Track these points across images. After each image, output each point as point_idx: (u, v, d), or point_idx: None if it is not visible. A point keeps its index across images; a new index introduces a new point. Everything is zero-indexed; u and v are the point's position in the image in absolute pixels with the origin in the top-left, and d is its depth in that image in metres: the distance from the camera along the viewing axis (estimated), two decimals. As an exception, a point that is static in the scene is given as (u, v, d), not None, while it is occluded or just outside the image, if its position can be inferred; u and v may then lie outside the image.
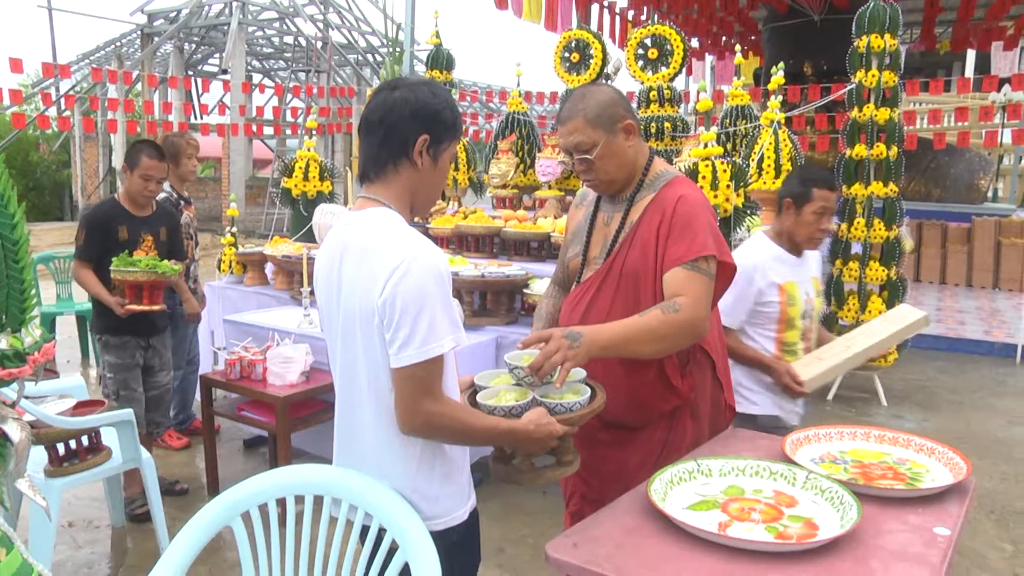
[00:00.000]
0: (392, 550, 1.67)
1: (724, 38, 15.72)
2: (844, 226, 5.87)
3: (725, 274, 2.25)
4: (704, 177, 4.05)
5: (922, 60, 18.20)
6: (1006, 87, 11.68)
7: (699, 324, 2.13)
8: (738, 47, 6.27)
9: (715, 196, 4.04)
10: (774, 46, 13.53)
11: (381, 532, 1.70)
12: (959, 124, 12.01)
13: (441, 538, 1.70)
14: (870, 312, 5.77)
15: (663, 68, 6.43)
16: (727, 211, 4.10)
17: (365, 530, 1.73)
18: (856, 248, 5.88)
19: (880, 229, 5.72)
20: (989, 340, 7.86)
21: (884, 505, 1.79)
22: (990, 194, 15.35)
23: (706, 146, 4.12)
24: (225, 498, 1.80)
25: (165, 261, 3.83)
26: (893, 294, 5.79)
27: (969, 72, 21.80)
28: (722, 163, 4.09)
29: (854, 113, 5.73)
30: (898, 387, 6.41)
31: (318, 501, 1.79)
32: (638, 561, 1.51)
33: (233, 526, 1.79)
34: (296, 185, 5.77)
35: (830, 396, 6.07)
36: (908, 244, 6.12)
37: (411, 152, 1.72)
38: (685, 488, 1.84)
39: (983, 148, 13.57)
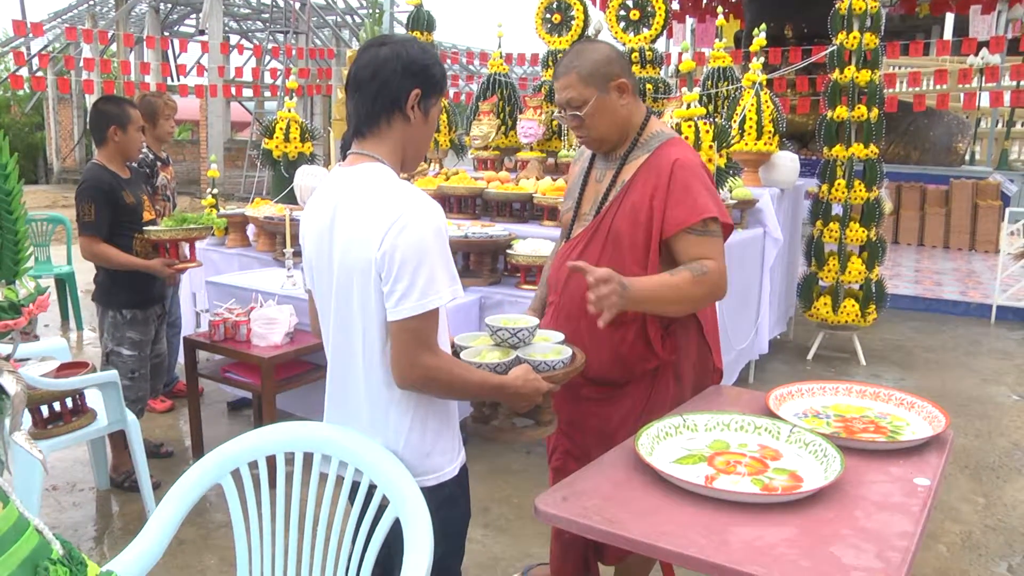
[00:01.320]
0: (383, 507, 1.69)
1: (705, 1, 15.64)
2: (825, 187, 5.90)
3: (724, 235, 2.30)
4: (687, 138, 4.05)
5: (902, 23, 18.18)
6: (984, 50, 11.74)
7: (724, 286, 2.23)
8: (720, 9, 6.24)
9: (698, 157, 4.04)
10: (755, 9, 13.46)
11: (371, 489, 1.72)
12: (938, 87, 12.04)
13: (432, 493, 1.72)
14: (850, 272, 5.83)
15: (645, 30, 6.38)
16: (710, 172, 4.11)
17: (355, 487, 1.75)
18: (836, 209, 5.92)
19: (860, 190, 5.75)
20: (965, 301, 7.96)
21: (866, 457, 1.83)
22: (967, 157, 15.44)
23: (689, 107, 4.11)
24: (214, 456, 1.81)
25: (201, 215, 3.77)
26: (873, 255, 5.84)
27: (948, 36, 21.83)
28: (705, 124, 4.09)
29: (835, 75, 5.73)
30: (876, 347, 6.50)
31: (308, 459, 1.80)
32: (627, 513, 1.54)
33: (223, 484, 1.80)
34: (277, 146, 5.72)
35: (810, 356, 6.15)
36: (887, 206, 6.18)
37: (404, 106, 1.73)
38: (671, 443, 1.87)
39: (962, 111, 13.63)
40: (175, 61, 21.59)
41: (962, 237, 11.41)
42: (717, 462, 1.77)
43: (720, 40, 6.17)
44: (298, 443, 1.82)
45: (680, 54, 5.30)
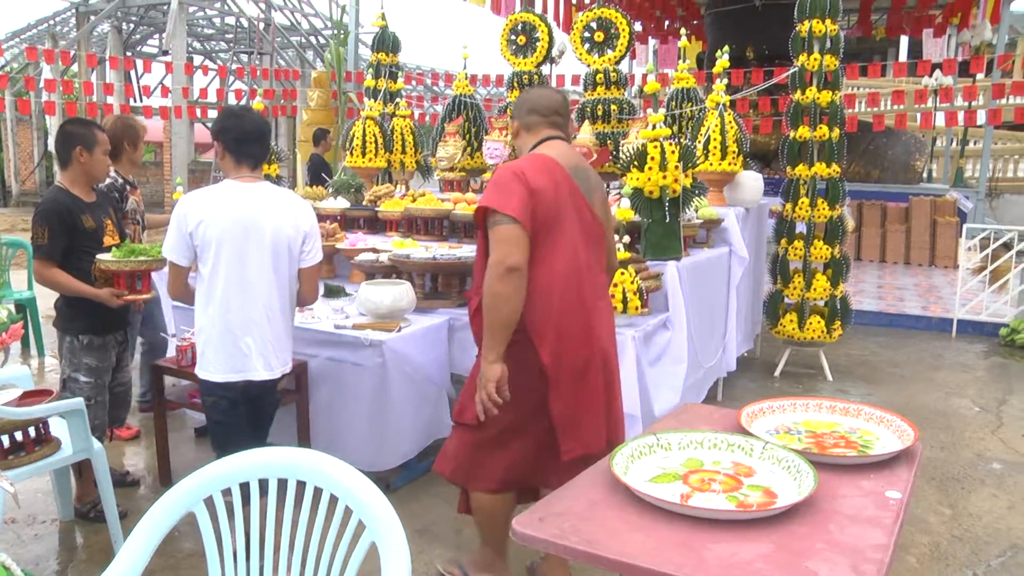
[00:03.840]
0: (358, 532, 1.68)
1: (667, 22, 15.84)
2: (789, 206, 5.98)
3: (521, 226, 2.63)
4: (653, 158, 4.09)
5: (859, 45, 18.59)
6: (937, 71, 12.03)
7: (503, 270, 2.58)
8: (683, 30, 6.33)
9: (664, 177, 4.08)
10: (716, 30, 13.70)
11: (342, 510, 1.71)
12: (895, 107, 12.31)
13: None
14: (815, 289, 5.90)
15: (609, 51, 6.46)
16: (676, 191, 4.15)
17: (330, 512, 1.73)
18: (800, 227, 6.00)
19: (824, 209, 5.84)
20: (927, 315, 8.10)
21: (838, 472, 1.85)
22: (925, 175, 15.77)
23: (655, 128, 4.16)
24: (186, 484, 1.79)
25: (154, 245, 3.68)
26: (837, 272, 5.93)
27: (903, 57, 22.35)
28: (670, 144, 4.13)
29: (797, 96, 5.83)
30: (842, 362, 6.59)
31: (282, 485, 1.78)
32: (604, 532, 1.54)
33: (196, 512, 1.77)
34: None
35: (777, 373, 6.21)
36: (850, 224, 6.27)
37: (269, 153, 3.13)
38: (646, 462, 1.87)
39: (920, 130, 13.93)
40: (138, 82, 21.38)
41: (922, 253, 11.62)
42: (692, 480, 1.78)
43: (684, 62, 6.25)
44: (272, 469, 1.80)
45: (645, 75, 5.36)
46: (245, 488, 1.79)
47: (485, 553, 3.05)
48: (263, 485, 1.79)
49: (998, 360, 6.89)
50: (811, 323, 5.98)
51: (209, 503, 1.78)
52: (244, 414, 3.22)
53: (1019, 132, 18.56)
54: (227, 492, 1.79)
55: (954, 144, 17.31)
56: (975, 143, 17.36)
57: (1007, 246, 8.09)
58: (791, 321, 6.02)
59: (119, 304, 3.56)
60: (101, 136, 3.67)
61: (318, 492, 1.74)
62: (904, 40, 20.47)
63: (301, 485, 1.76)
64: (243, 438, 3.00)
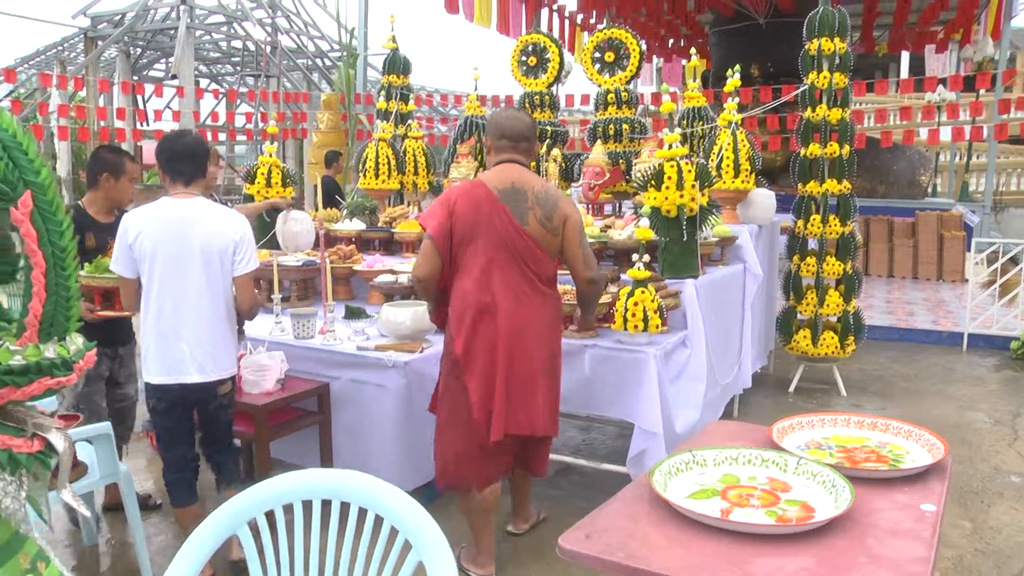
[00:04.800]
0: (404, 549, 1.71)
1: (671, 41, 15.97)
2: (800, 223, 6.03)
3: (433, 240, 3.24)
4: (670, 177, 4.13)
5: (861, 61, 18.70)
6: (941, 87, 12.11)
7: (417, 278, 3.30)
8: (693, 50, 6.40)
9: (681, 196, 4.13)
10: (721, 49, 13.80)
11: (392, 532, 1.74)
12: (903, 123, 12.39)
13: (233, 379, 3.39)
14: (828, 305, 5.93)
15: (619, 71, 6.53)
16: (693, 210, 4.19)
17: (375, 532, 1.76)
18: (812, 244, 6.04)
19: (835, 225, 5.88)
20: (937, 330, 8.12)
21: (871, 486, 1.88)
22: (930, 190, 15.82)
23: (671, 147, 4.21)
24: (229, 507, 1.81)
25: None
26: (849, 287, 5.96)
27: (904, 72, 22.47)
28: (687, 163, 4.18)
29: (807, 113, 5.89)
30: (856, 377, 6.60)
31: (325, 505, 1.81)
32: (648, 548, 1.57)
33: (239, 535, 1.80)
34: (259, 191, 5.72)
35: (791, 388, 6.23)
36: (858, 239, 6.31)
37: (205, 169, 3.38)
38: (683, 478, 1.90)
39: (926, 146, 13.99)
40: (145, 106, 21.54)
41: (930, 267, 11.64)
42: (730, 495, 1.81)
43: (694, 80, 6.31)
44: (316, 491, 1.83)
45: (659, 95, 5.42)
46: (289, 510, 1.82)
47: (473, 545, 3.50)
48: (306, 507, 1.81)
49: (1010, 373, 6.90)
50: (824, 339, 6.00)
51: (253, 526, 1.80)
52: (185, 417, 3.37)
53: (1023, 146, 18.62)
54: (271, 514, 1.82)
55: (958, 159, 17.38)
56: (978, 157, 17.44)
57: (1015, 260, 8.12)
58: (804, 337, 6.05)
59: (93, 319, 3.64)
60: (130, 166, 3.85)
61: (362, 512, 1.77)
62: (905, 56, 20.59)
63: (345, 506, 1.79)
64: (184, 441, 3.38)
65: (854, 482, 1.82)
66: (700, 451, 2.00)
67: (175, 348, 3.19)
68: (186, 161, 3.30)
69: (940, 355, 7.52)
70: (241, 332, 3.59)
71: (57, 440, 1.04)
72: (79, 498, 1.05)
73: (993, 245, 8.17)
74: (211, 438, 3.45)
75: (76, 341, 1.06)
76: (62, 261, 1.02)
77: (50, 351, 1.00)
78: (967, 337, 7.79)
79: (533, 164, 6.13)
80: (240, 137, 18.74)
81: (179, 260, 3.17)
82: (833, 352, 6.01)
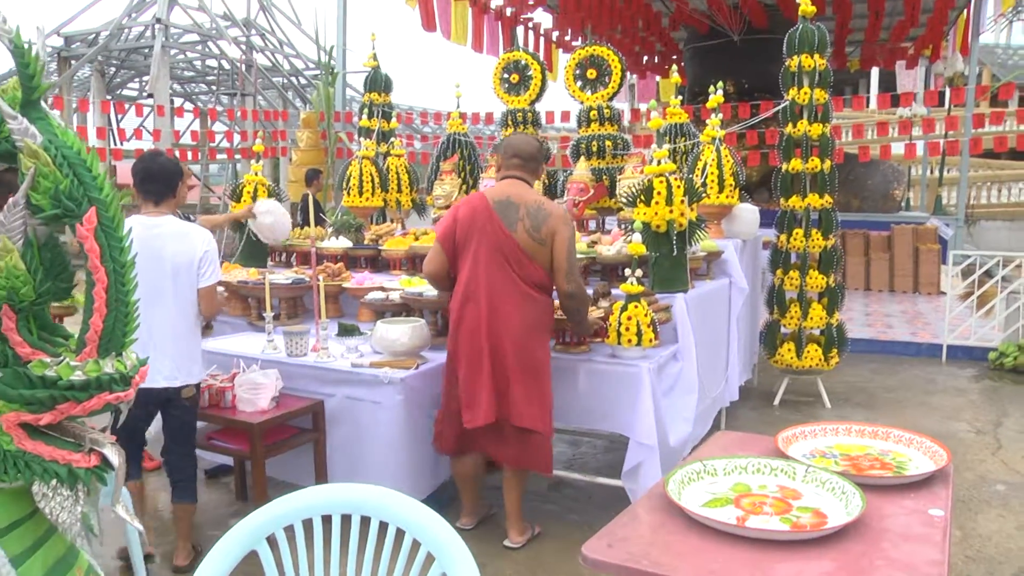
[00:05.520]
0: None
1: (645, 58, 16.14)
2: (783, 237, 6.10)
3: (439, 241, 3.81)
4: (659, 193, 4.19)
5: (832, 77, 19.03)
6: (914, 103, 12.35)
7: (424, 271, 3.98)
8: (674, 68, 6.48)
9: (670, 211, 4.18)
10: (695, 65, 13.98)
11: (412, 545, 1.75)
12: (880, 137, 12.59)
13: (198, 386, 3.62)
14: (811, 318, 6.01)
15: (601, 88, 6.60)
16: (682, 226, 4.24)
17: (397, 545, 1.77)
18: (794, 257, 6.12)
19: (818, 239, 5.97)
20: (916, 342, 8.24)
21: (879, 492, 1.92)
22: (904, 204, 16.09)
23: (659, 163, 4.26)
24: (249, 523, 1.81)
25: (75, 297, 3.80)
26: (832, 300, 6.04)
27: (874, 88, 22.88)
28: (676, 179, 4.24)
29: (788, 129, 5.98)
30: (839, 389, 6.68)
31: (345, 520, 1.81)
32: (670, 556, 1.60)
33: (259, 551, 1.80)
34: (245, 210, 5.71)
35: (776, 401, 6.29)
36: (840, 252, 6.40)
37: (176, 190, 3.65)
38: (696, 488, 1.93)
39: (903, 160, 14.22)
40: (117, 125, 21.40)
41: (906, 280, 11.82)
42: (743, 503, 1.84)
43: (676, 97, 6.38)
44: (336, 506, 1.83)
45: (648, 111, 5.49)
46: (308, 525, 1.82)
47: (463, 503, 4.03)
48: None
49: (989, 384, 7.01)
50: (808, 351, 6.07)
51: (272, 541, 1.80)
52: (147, 417, 3.63)
53: (992, 160, 19.00)
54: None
55: (930, 172, 17.67)
56: (949, 171, 17.76)
57: (989, 273, 8.26)
58: (789, 350, 6.12)
59: None
60: None
61: (383, 526, 1.78)
62: (875, 71, 20.97)
63: (365, 520, 1.80)
64: (138, 439, 3.65)
65: (862, 489, 1.86)
66: (710, 461, 2.03)
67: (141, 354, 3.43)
68: (159, 182, 3.56)
69: (920, 366, 7.64)
70: (209, 327, 4.20)
71: (113, 455, 1.05)
72: (131, 512, 1.05)
73: (970, 258, 8.31)
74: (171, 442, 3.64)
75: (131, 356, 1.07)
76: (123, 277, 1.03)
77: (109, 366, 1.01)
78: (946, 348, 7.91)
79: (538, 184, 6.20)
80: (219, 156, 18.65)
81: (149, 274, 3.26)
82: (817, 364, 6.08)
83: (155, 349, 3.33)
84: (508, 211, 3.63)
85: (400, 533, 1.75)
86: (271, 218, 5.42)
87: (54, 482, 1.02)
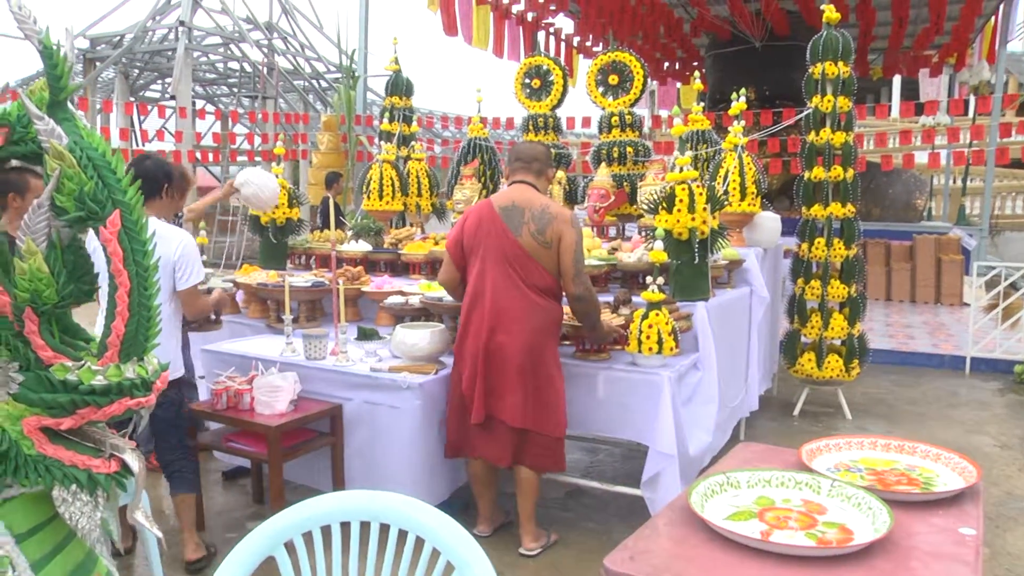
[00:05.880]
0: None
1: (666, 64, 16.10)
2: (805, 246, 6.05)
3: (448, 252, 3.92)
4: (681, 200, 4.16)
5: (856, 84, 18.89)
6: (939, 112, 12.23)
7: (439, 281, 4.09)
8: (696, 73, 6.45)
9: (693, 219, 4.15)
10: (717, 72, 13.92)
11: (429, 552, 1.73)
12: (902, 146, 12.48)
13: (176, 383, 3.64)
14: (832, 328, 5.95)
15: (623, 94, 6.58)
16: (704, 234, 4.21)
17: (416, 554, 1.75)
18: (815, 267, 6.06)
19: (840, 248, 5.91)
20: (939, 353, 8.14)
21: (906, 509, 1.88)
22: (926, 213, 15.94)
23: (682, 170, 4.23)
24: (265, 529, 1.79)
25: None
26: (854, 310, 5.98)
27: (896, 96, 22.70)
28: (699, 187, 4.20)
29: (811, 137, 5.93)
30: (860, 400, 6.61)
31: (364, 527, 1.79)
32: (695, 569, 1.57)
33: (276, 557, 1.78)
34: (265, 212, 5.72)
35: (796, 412, 6.23)
36: (862, 262, 6.33)
37: (163, 191, 3.74)
38: (719, 500, 1.90)
39: (928, 169, 14.09)
40: (140, 127, 21.58)
41: (928, 291, 11.70)
42: (768, 517, 1.81)
43: (699, 103, 6.35)
44: (353, 512, 1.82)
45: (671, 118, 5.46)
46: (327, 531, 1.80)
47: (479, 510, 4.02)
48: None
49: (1015, 397, 6.91)
50: (829, 362, 6.01)
51: (290, 547, 1.79)
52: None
53: (1018, 170, 18.80)
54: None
55: (955, 182, 17.49)
56: (972, 180, 17.58)
57: (1015, 286, 8.16)
58: (809, 360, 6.06)
59: None
60: (35, 183, 3.87)
61: (403, 535, 1.76)
62: (897, 80, 20.80)
63: (384, 528, 1.78)
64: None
65: (889, 505, 1.83)
66: (733, 473, 2.00)
67: None
68: (143, 185, 3.51)
69: (943, 379, 7.54)
70: (218, 321, 4.45)
71: (133, 461, 1.04)
72: (151, 518, 1.04)
73: (995, 269, 8.21)
74: (157, 436, 3.71)
75: (153, 361, 1.06)
76: (145, 281, 1.02)
77: (130, 371, 1.00)
78: (970, 361, 7.81)
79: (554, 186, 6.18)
80: (240, 158, 18.75)
81: None
82: (838, 375, 6.02)
83: None
84: (513, 216, 3.67)
85: (420, 542, 1.73)
86: (251, 188, 5.28)
87: (74, 487, 1.01)
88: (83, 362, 1.00)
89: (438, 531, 1.71)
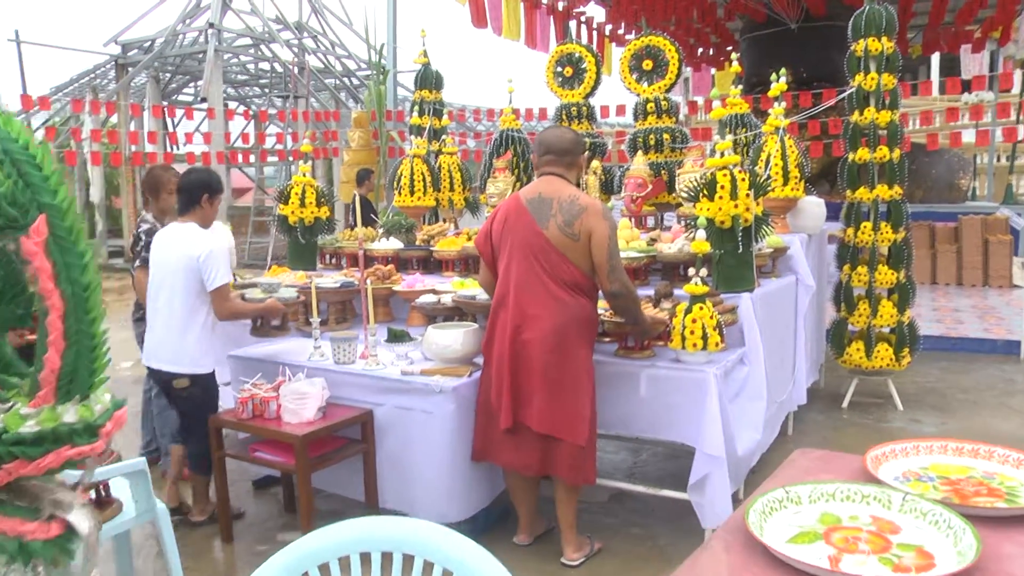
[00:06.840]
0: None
1: (700, 50, 15.76)
2: (851, 231, 5.80)
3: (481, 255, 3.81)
4: (723, 187, 3.96)
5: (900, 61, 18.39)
6: (978, 90, 11.78)
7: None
8: (734, 56, 6.21)
9: (735, 206, 3.94)
10: (752, 55, 13.57)
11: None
12: (948, 124, 12.08)
13: (196, 380, 3.94)
14: (881, 316, 5.69)
15: (658, 79, 6.35)
16: (747, 221, 4.00)
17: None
18: (862, 252, 5.80)
19: (887, 232, 5.65)
20: (991, 338, 7.83)
21: (989, 525, 1.68)
22: (969, 193, 15.45)
23: (723, 155, 4.03)
24: (276, 562, 1.64)
25: None
26: (903, 297, 5.72)
27: (935, 73, 22.10)
28: (741, 172, 4.00)
29: (855, 117, 5.68)
30: (910, 390, 6.34)
31: (385, 557, 1.65)
32: (757, 606, 1.39)
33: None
34: (293, 212, 5.61)
35: (845, 404, 5.98)
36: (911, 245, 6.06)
37: (202, 200, 4.01)
38: (779, 518, 1.72)
39: (975, 148, 13.65)
40: (174, 129, 21.70)
41: (975, 273, 11.31)
42: (835, 539, 1.62)
43: (736, 86, 6.11)
44: (373, 542, 1.66)
45: (710, 101, 5.25)
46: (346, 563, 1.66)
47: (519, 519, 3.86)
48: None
49: (1075, 383, 6.61)
50: (879, 351, 5.76)
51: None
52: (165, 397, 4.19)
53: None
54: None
55: (1001, 160, 16.96)
56: (1019, 158, 17.02)
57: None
58: (858, 350, 5.81)
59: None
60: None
61: (428, 566, 1.60)
62: (936, 57, 20.22)
63: (409, 559, 1.62)
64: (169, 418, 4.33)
65: (971, 523, 1.63)
66: (793, 487, 1.81)
67: (150, 338, 4.02)
68: (182, 195, 4.05)
69: (996, 365, 7.24)
70: (283, 327, 4.49)
71: (80, 521, 0.86)
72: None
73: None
74: (180, 424, 4.16)
75: (102, 399, 0.87)
76: (84, 302, 0.83)
77: (70, 414, 0.82)
78: (1025, 345, 7.49)
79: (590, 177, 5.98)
80: (271, 158, 18.73)
81: (161, 271, 3.94)
82: (888, 364, 5.77)
83: (155, 333, 3.98)
84: (541, 208, 3.50)
85: (447, 574, 1.58)
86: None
87: (3, 559, 0.83)
88: (11, 404, 0.83)
89: (466, 561, 1.55)
